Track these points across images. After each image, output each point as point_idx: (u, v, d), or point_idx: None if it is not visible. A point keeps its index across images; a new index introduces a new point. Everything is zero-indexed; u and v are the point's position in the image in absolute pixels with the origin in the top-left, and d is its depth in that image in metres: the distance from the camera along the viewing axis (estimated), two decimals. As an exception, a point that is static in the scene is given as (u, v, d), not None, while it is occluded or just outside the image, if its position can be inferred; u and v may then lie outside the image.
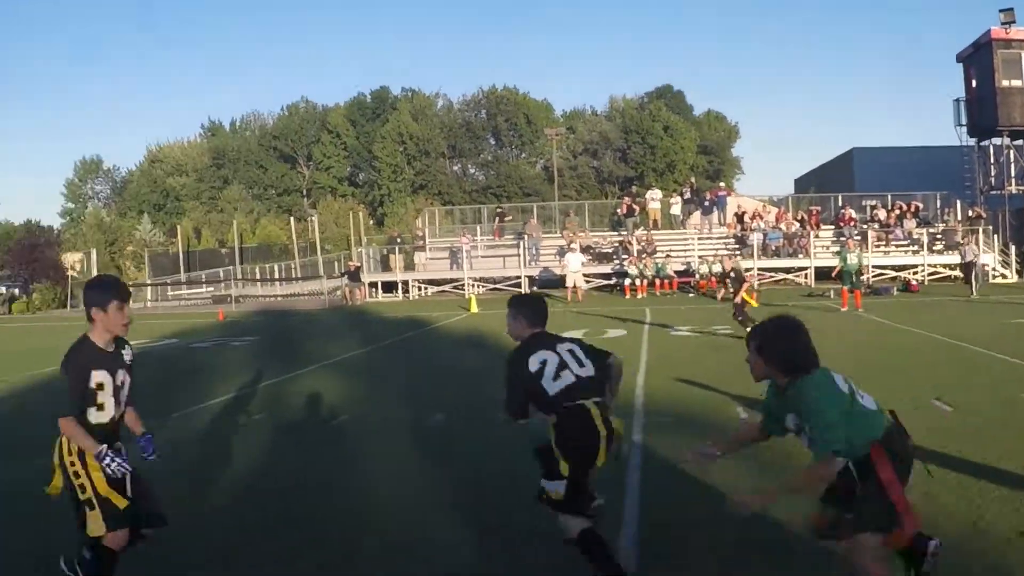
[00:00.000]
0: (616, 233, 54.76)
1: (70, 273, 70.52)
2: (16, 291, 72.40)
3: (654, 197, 55.74)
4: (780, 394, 6.38)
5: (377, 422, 14.25)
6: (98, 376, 6.58)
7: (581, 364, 7.31)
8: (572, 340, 7.66)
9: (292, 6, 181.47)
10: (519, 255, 52.46)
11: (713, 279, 45.41)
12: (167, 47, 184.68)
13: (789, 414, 6.29)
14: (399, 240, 56.31)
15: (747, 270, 43.89)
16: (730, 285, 28.01)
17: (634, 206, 55.30)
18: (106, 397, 6.61)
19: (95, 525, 6.48)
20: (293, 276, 64.16)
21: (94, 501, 6.47)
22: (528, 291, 48.99)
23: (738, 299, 25.01)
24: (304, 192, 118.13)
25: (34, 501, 7.57)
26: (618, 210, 56.68)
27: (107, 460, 6.48)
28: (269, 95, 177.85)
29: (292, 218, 79.94)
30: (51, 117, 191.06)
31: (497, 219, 58.72)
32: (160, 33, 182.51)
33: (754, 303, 26.35)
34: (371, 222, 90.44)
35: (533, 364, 7.30)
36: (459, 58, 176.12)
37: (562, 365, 7.27)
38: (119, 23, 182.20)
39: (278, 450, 12.59)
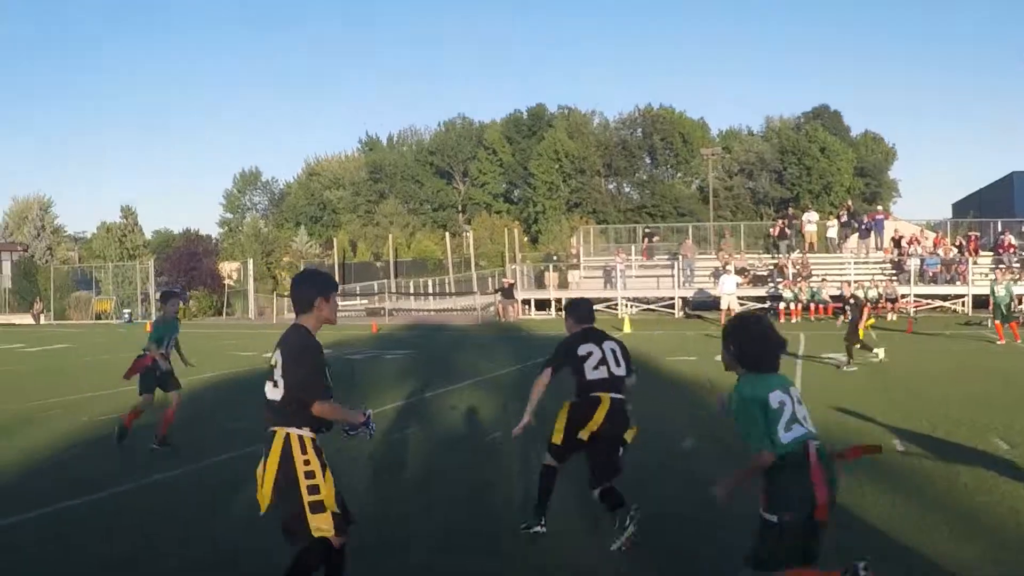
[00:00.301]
0: (770, 255, 54.15)
1: (227, 282, 71.81)
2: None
3: (810, 220, 54.83)
4: None
5: (530, 440, 14.20)
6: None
7: (618, 364, 9.30)
8: (615, 340, 9.65)
9: (450, 23, 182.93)
10: (673, 275, 52.03)
11: (868, 305, 44.64)
12: (327, 62, 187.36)
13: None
14: (555, 258, 56.32)
15: (903, 296, 43.25)
16: (849, 312, 27.60)
17: (787, 229, 54.68)
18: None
19: (325, 525, 6.54)
20: (447, 291, 64.39)
21: (325, 504, 6.55)
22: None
23: (862, 327, 24.72)
24: (459, 208, 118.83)
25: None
26: (771, 231, 56.06)
27: (371, 424, 6.96)
28: (426, 111, 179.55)
29: (447, 233, 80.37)
30: (213, 129, 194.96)
31: (645, 239, 58.40)
32: (320, 48, 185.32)
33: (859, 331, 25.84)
34: (525, 239, 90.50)
35: (582, 351, 9.22)
36: (616, 76, 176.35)
37: (603, 361, 9.23)
38: (279, 39, 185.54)
39: (432, 464, 12.68)
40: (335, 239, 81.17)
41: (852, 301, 26.55)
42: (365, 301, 62.56)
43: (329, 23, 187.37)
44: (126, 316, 64.43)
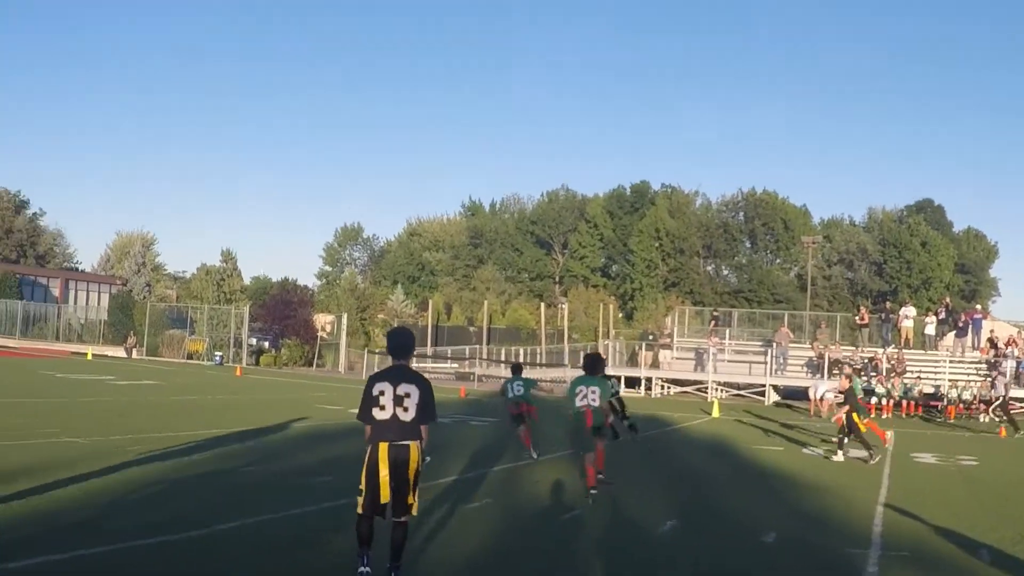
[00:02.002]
0: (857, 347, 53.43)
1: (320, 334, 72.32)
2: (266, 344, 74.56)
3: (908, 315, 54.05)
4: None
5: (608, 522, 14.06)
6: None
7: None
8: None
9: (560, 95, 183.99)
10: (766, 362, 51.67)
11: (961, 405, 44.05)
12: (436, 125, 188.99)
13: None
14: (650, 336, 56.14)
15: (998, 398, 42.46)
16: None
17: (867, 316, 54.23)
18: None
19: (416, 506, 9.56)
20: (538, 362, 64.27)
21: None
22: (771, 402, 48.59)
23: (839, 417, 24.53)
24: (556, 279, 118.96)
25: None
26: (856, 319, 55.51)
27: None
28: (530, 180, 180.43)
29: (542, 304, 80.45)
30: (319, 182, 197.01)
31: (713, 322, 58.06)
32: (430, 111, 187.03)
33: (863, 427, 25.53)
34: (620, 315, 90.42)
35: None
36: (720, 158, 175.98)
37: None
38: (390, 100, 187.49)
39: (501, 540, 12.48)
40: (431, 300, 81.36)
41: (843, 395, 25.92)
42: (456, 365, 62.57)
43: (439, 87, 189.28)
44: (217, 359, 64.94)
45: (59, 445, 17.78)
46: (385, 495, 9.28)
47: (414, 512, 9.55)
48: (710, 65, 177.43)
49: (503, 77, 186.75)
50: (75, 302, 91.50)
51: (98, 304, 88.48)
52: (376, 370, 9.66)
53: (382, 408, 9.45)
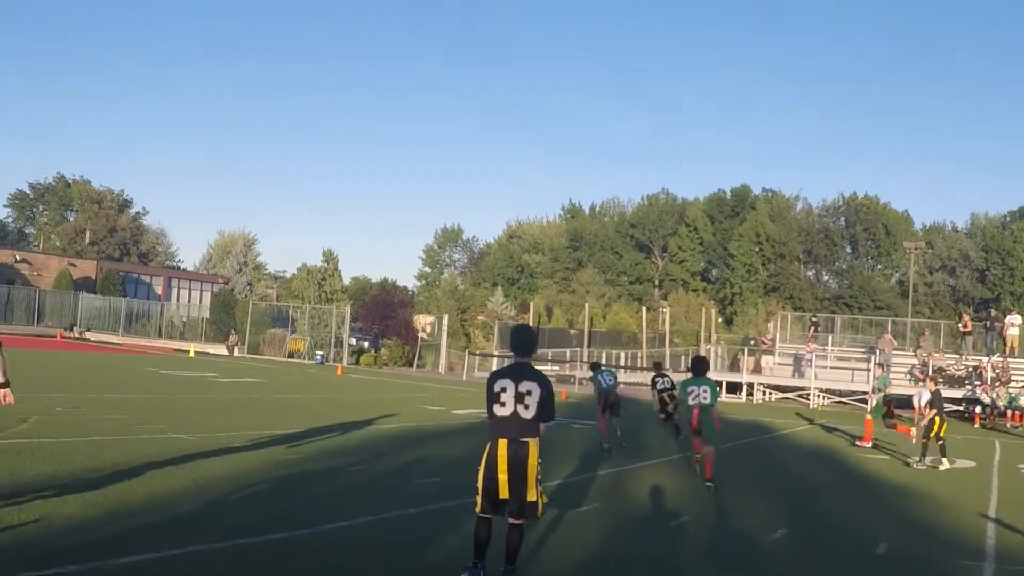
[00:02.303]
0: (961, 355, 52.72)
1: (420, 335, 72.65)
2: (365, 344, 75.05)
3: (1013, 323, 53.06)
4: None
5: (716, 529, 13.94)
6: None
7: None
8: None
9: (661, 98, 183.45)
10: (868, 369, 51.07)
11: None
12: (536, 127, 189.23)
13: None
14: (752, 342, 55.82)
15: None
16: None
17: (970, 324, 53.45)
18: None
19: (541, 507, 9.59)
20: (638, 365, 64.09)
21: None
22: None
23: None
24: (656, 282, 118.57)
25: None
26: (959, 325, 54.76)
27: None
28: (631, 183, 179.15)
29: (643, 307, 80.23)
30: (420, 184, 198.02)
31: (812, 328, 57.63)
32: (531, 114, 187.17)
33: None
34: (719, 320, 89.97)
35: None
36: (821, 163, 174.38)
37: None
38: (493, 103, 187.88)
39: (611, 546, 12.31)
40: (532, 303, 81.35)
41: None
42: (556, 368, 62.24)
43: (541, 90, 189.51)
44: (319, 358, 65.32)
45: (165, 441, 17.87)
46: (504, 491, 9.28)
47: (539, 513, 9.58)
48: (813, 67, 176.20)
49: (603, 81, 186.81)
50: (177, 300, 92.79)
51: (200, 302, 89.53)
52: (495, 368, 9.66)
53: (503, 404, 9.47)
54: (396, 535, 11.63)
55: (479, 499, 9.43)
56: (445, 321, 67.69)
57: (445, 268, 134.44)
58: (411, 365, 67.32)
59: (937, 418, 24.06)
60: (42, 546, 9.56)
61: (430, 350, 69.91)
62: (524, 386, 9.53)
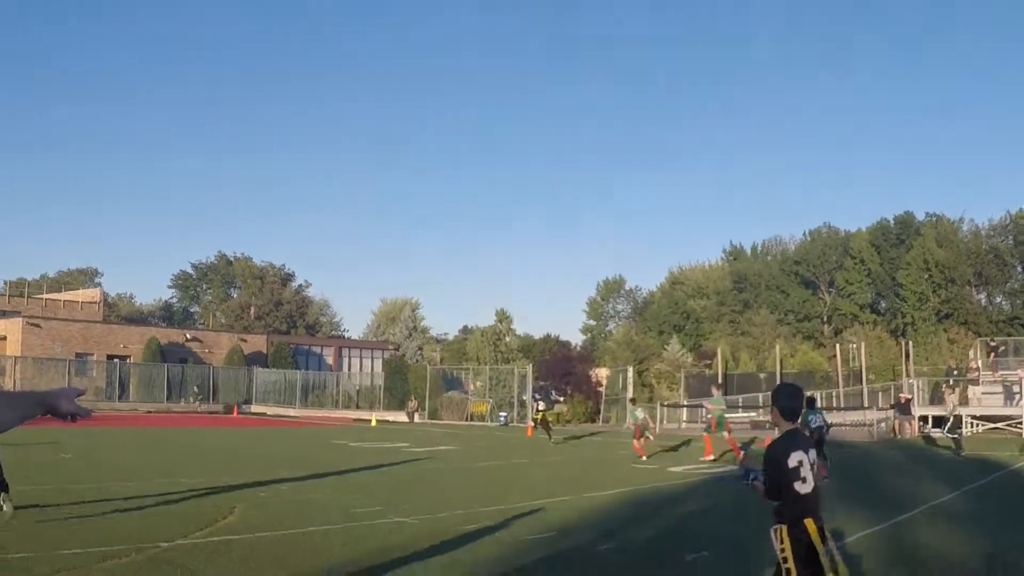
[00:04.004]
0: None
1: (600, 388, 71.33)
2: (540, 404, 74.03)
3: None
4: None
5: None
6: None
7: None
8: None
9: (814, 133, 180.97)
10: (1075, 391, 48.47)
11: None
12: (693, 171, 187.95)
13: None
14: (955, 372, 53.66)
15: None
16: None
17: None
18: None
19: None
20: (835, 405, 61.73)
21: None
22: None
23: None
24: (824, 318, 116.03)
25: None
26: None
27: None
28: (791, 220, 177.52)
29: (837, 346, 78.24)
30: (580, 237, 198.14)
31: (991, 354, 55.29)
32: (685, 159, 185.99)
33: None
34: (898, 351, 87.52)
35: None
36: (984, 182, 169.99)
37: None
38: (651, 155, 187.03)
39: None
40: (719, 349, 79.53)
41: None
42: (752, 414, 60.15)
43: (689, 132, 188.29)
44: (502, 419, 64.43)
45: (390, 527, 16.23)
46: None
47: None
48: (967, 82, 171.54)
49: (752, 119, 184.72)
50: (349, 369, 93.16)
51: (372, 370, 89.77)
52: (789, 440, 7.98)
53: (804, 481, 7.96)
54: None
55: None
56: (630, 373, 66.10)
57: (610, 320, 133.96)
58: (594, 420, 66.03)
59: None
60: None
61: (613, 404, 68.37)
62: (812, 455, 8.12)
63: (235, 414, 70.30)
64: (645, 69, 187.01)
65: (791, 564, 7.79)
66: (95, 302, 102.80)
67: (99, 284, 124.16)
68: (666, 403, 59.61)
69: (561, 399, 75.53)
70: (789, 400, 8.37)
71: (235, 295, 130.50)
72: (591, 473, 27.56)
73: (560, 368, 74.00)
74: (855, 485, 23.95)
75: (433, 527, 16.30)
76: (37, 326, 79.82)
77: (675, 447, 36.61)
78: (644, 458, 33.54)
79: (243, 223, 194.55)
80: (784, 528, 7.89)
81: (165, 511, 17.29)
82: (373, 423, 61.06)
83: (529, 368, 69.06)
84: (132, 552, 13.15)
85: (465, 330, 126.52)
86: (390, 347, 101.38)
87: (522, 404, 66.58)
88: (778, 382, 66.24)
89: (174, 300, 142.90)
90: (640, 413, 36.55)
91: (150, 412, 69.99)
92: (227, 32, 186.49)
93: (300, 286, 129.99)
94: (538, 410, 51.17)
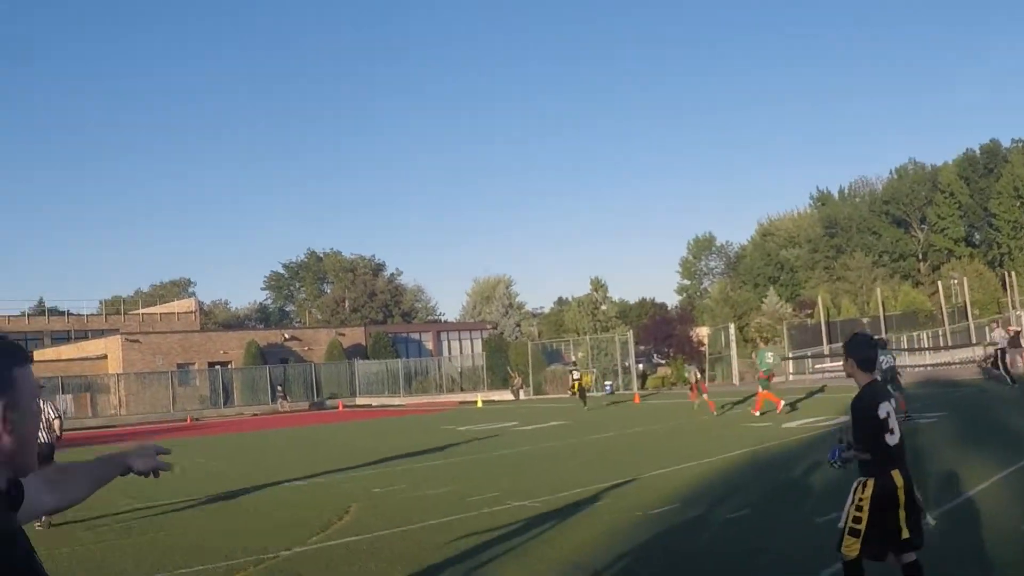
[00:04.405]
0: None
1: (702, 348, 70.82)
2: (640, 366, 73.77)
3: None
4: None
5: None
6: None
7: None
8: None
9: (892, 65, 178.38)
10: None
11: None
12: (774, 122, 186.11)
13: None
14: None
15: None
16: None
17: None
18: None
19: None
20: (942, 344, 60.66)
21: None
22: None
23: None
24: (920, 256, 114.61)
25: None
26: None
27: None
28: (876, 159, 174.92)
29: (939, 283, 77.19)
30: (667, 197, 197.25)
31: None
32: (763, 111, 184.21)
33: None
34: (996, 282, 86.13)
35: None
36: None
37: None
38: (732, 99, 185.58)
39: None
40: (819, 298, 78.58)
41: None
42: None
43: (768, 79, 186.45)
44: (608, 388, 64.15)
45: (511, 512, 15.90)
46: (906, 531, 7.75)
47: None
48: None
49: (832, 61, 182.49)
50: (449, 352, 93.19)
51: (472, 351, 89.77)
52: (873, 392, 7.65)
53: (892, 432, 7.87)
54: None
55: (856, 541, 7.81)
56: (732, 330, 65.41)
57: (703, 277, 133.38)
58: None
59: None
60: None
61: (717, 363, 67.71)
62: (893, 404, 8.11)
63: (340, 408, 70.48)
64: (728, 20, 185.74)
65: (864, 514, 7.74)
66: (191, 312, 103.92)
67: (193, 294, 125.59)
68: (793, 354, 58.92)
69: (663, 362, 75.16)
70: (865, 350, 8.25)
71: (328, 290, 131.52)
72: (705, 437, 27.07)
73: (661, 331, 73.48)
74: (980, 428, 23.37)
75: (555, 508, 16.00)
76: (136, 341, 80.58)
77: (793, 403, 35.83)
78: (780, 408, 33.38)
79: (329, 218, 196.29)
80: (871, 481, 7.80)
81: (281, 517, 17.10)
82: (479, 404, 60.86)
83: (630, 334, 68.58)
84: (251, 565, 12.95)
85: (560, 302, 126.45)
86: (488, 326, 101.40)
87: (626, 371, 66.28)
88: (883, 325, 65.74)
89: (268, 301, 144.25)
90: (771, 357, 36.03)
91: (256, 415, 70.35)
92: (303, 29, 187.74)
93: (392, 275, 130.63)
94: (574, 379, 51.08)
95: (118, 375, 76.68)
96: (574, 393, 50.40)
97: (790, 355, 60.89)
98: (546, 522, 14.75)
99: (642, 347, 74.50)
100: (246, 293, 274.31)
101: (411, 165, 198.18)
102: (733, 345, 64.21)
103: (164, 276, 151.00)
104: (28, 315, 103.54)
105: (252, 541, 14.83)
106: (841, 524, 7.98)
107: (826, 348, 63.93)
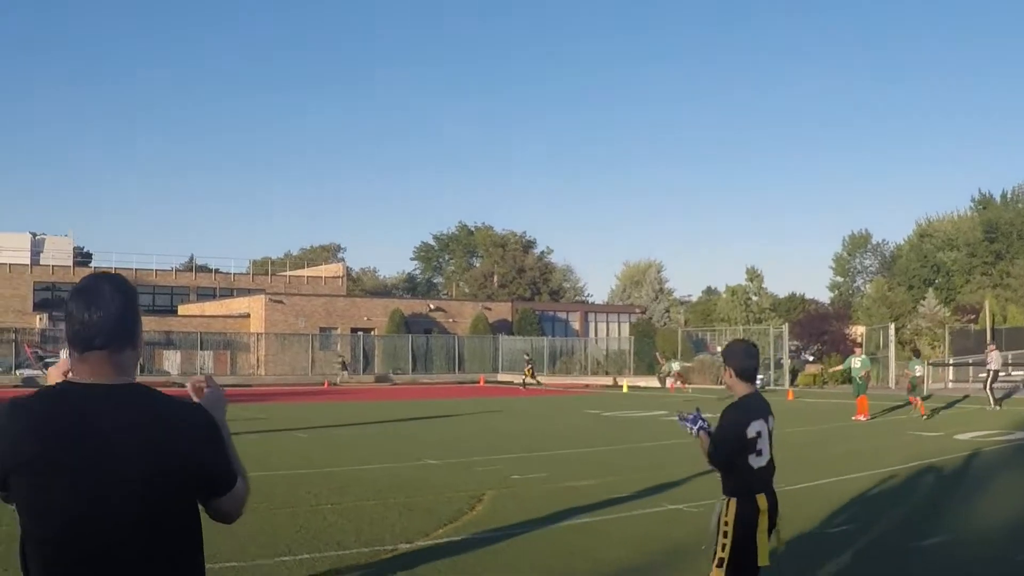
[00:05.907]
0: None
1: (857, 348, 69.51)
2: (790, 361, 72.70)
3: None
4: None
5: None
6: None
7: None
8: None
9: None
10: None
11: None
12: (940, 119, 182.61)
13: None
14: None
15: None
16: None
17: None
18: None
19: None
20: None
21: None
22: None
23: None
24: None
25: None
26: None
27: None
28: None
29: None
30: (823, 192, 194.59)
31: None
32: (934, 108, 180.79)
33: None
34: None
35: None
36: None
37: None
38: (857, 93, 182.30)
39: None
40: (985, 303, 76.28)
41: None
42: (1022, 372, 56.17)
43: (931, 77, 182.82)
44: (758, 382, 62.33)
45: (671, 516, 14.72)
46: (764, 558, 7.20)
47: None
48: None
49: (1000, 64, 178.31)
50: (595, 334, 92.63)
51: (619, 335, 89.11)
52: (747, 407, 7.32)
53: (758, 454, 7.35)
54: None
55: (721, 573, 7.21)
56: (891, 331, 63.71)
57: (857, 276, 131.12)
58: (850, 381, 64.19)
59: None
60: None
61: (872, 363, 66.11)
62: (771, 423, 7.48)
63: (481, 383, 70.05)
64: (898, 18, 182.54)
65: (730, 540, 7.21)
66: (338, 277, 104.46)
67: (342, 259, 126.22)
68: (931, 361, 57.06)
69: (811, 359, 73.92)
70: (743, 359, 7.57)
71: (477, 264, 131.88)
72: (867, 444, 25.57)
73: (816, 327, 72.22)
74: None
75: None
76: (280, 302, 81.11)
77: (932, 412, 34.49)
78: (924, 416, 32.83)
79: (482, 192, 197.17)
80: (733, 501, 7.26)
81: (409, 502, 15.78)
82: (625, 389, 60.19)
83: (785, 328, 67.40)
84: (365, 558, 11.74)
85: (709, 291, 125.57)
86: (636, 310, 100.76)
87: (779, 366, 64.91)
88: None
89: (417, 272, 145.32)
90: (920, 369, 35.39)
91: (396, 385, 70.21)
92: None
93: (542, 253, 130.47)
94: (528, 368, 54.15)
95: (259, 334, 77.59)
96: (523, 384, 54.71)
97: (950, 361, 58.96)
98: (702, 530, 13.50)
99: (795, 343, 73.16)
100: (395, 263, 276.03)
101: (568, 145, 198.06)
102: (892, 347, 62.40)
103: (315, 240, 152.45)
104: (176, 270, 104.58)
105: (368, 528, 13.69)
106: (711, 553, 7.37)
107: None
